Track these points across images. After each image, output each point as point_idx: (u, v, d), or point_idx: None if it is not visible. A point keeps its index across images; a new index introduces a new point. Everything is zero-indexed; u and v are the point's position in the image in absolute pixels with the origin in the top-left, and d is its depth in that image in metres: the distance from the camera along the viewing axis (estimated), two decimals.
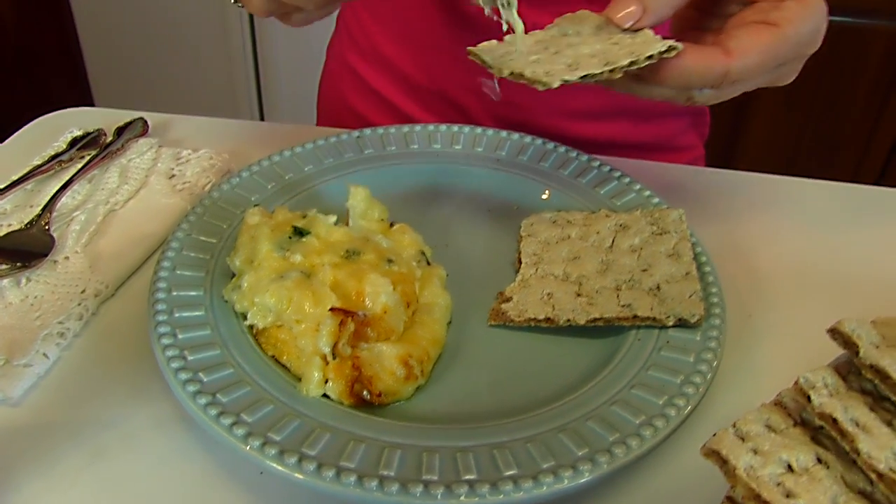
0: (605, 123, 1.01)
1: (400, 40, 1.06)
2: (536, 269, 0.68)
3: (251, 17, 2.27)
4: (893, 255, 0.78)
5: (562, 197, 0.77)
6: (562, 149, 0.82)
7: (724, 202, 0.84)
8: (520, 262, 0.70)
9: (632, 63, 0.58)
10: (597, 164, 0.80)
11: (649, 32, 0.61)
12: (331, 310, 0.58)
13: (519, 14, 0.64)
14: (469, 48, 0.65)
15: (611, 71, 0.58)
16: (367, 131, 0.83)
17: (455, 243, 0.74)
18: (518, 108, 0.97)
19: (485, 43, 0.65)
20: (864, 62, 2.31)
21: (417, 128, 0.84)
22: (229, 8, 2.26)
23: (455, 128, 0.84)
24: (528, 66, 0.60)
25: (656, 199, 0.75)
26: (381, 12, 1.06)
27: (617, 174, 0.78)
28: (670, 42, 0.59)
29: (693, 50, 0.60)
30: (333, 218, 0.68)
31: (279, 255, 0.64)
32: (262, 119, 2.47)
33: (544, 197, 0.78)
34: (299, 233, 0.66)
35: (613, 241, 0.70)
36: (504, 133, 0.84)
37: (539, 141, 0.82)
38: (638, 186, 0.77)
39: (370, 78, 1.10)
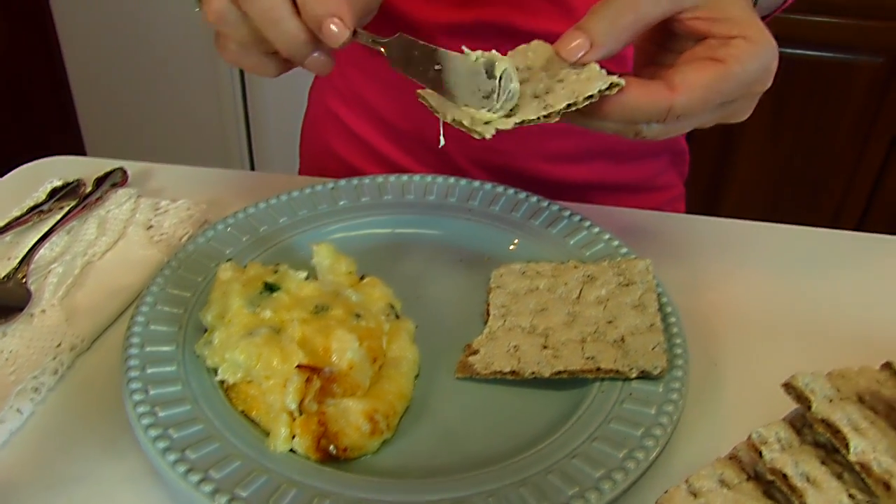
0: (584, 166, 1.02)
1: (379, 84, 1.07)
2: (504, 321, 0.70)
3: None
4: (863, 304, 0.79)
5: (532, 247, 0.79)
6: (533, 198, 0.83)
7: (694, 249, 0.85)
8: (488, 314, 0.71)
9: (570, 105, 0.60)
10: (567, 213, 0.81)
11: (595, 67, 0.63)
12: (297, 366, 0.59)
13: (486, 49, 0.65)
14: (418, 91, 0.66)
15: (546, 116, 0.60)
16: (342, 182, 0.85)
17: (426, 295, 0.75)
18: (497, 152, 0.99)
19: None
20: (847, 97, 2.34)
21: (392, 178, 0.86)
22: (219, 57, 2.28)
23: (429, 178, 0.86)
24: (468, 113, 0.62)
25: (624, 250, 0.77)
26: (359, 56, 1.08)
27: (587, 224, 0.80)
28: (612, 79, 0.61)
29: (637, 85, 0.62)
30: (304, 273, 0.69)
31: (250, 311, 0.65)
32: (252, 167, 2.47)
33: (512, 248, 0.79)
34: (270, 288, 0.67)
35: (580, 292, 0.71)
36: (476, 183, 0.85)
37: (511, 191, 0.84)
38: (607, 236, 0.78)
39: (352, 122, 1.12)
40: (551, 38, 0.95)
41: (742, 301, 0.78)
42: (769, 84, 0.65)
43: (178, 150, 2.49)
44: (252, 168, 2.46)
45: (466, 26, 0.95)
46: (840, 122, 2.38)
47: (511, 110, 0.62)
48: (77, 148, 2.61)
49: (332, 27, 0.61)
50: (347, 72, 1.10)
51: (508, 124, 0.60)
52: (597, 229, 0.79)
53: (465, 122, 0.61)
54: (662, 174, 1.12)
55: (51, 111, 2.65)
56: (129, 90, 2.48)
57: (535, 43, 0.67)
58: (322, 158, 1.18)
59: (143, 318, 0.67)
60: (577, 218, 0.81)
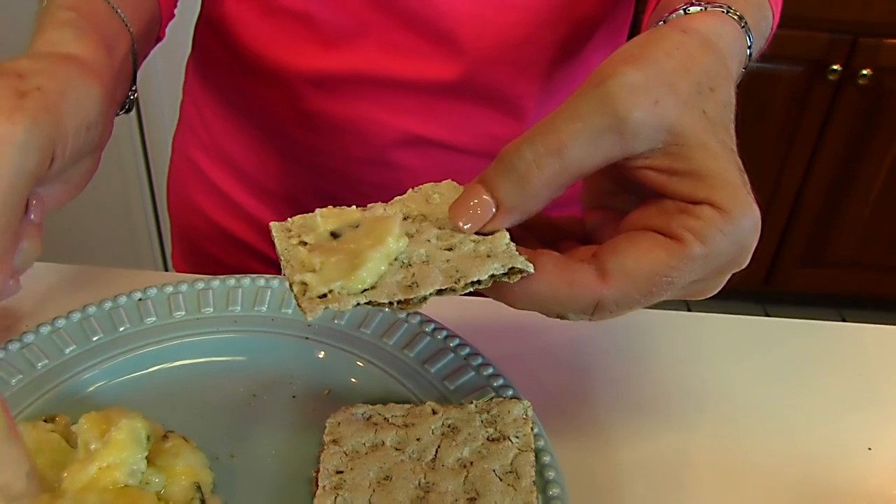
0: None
1: (243, 137, 0.92)
2: (335, 499, 0.53)
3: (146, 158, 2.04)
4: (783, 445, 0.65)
5: (383, 379, 0.63)
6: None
7: (604, 358, 0.70)
8: (317, 483, 0.55)
9: (441, 291, 0.44)
10: (430, 328, 0.65)
11: (501, 237, 0.46)
12: None
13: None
14: (272, 223, 0.51)
15: (402, 302, 0.44)
16: (152, 291, 0.68)
17: (244, 451, 0.58)
18: None
19: (298, 217, 0.51)
20: (768, 106, 2.25)
21: (215, 283, 0.69)
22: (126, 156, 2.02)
23: (262, 281, 0.69)
24: (316, 274, 0.46)
25: (500, 381, 0.61)
26: (219, 101, 0.92)
27: (454, 343, 0.64)
28: (517, 261, 0.44)
29: (554, 271, 0.45)
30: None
31: None
32: (164, 264, 2.23)
33: (353, 380, 0.63)
34: None
35: (437, 451, 0.56)
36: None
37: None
38: (479, 361, 0.62)
39: (214, 176, 0.96)
40: (437, 86, 0.80)
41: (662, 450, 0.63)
42: (745, 264, 0.47)
43: (86, 249, 2.21)
44: (165, 267, 2.22)
45: (333, 76, 0.79)
46: (762, 132, 2.29)
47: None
48: None
49: None
50: (208, 119, 0.94)
51: (347, 304, 0.44)
52: (466, 351, 0.63)
53: (294, 290, 0.45)
54: None
55: None
56: None
57: (446, 184, 0.51)
58: (187, 214, 1.03)
59: None
60: (442, 335, 0.65)
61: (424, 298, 0.44)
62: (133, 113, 1.96)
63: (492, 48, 0.77)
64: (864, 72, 2.14)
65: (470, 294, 0.46)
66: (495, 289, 0.46)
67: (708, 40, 0.48)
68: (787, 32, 2.11)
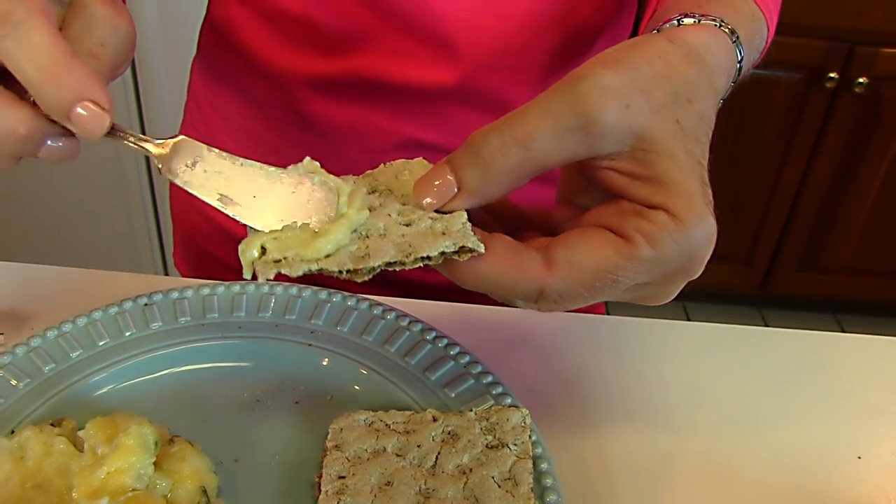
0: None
1: (244, 137, 0.92)
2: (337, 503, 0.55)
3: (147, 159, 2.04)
4: (780, 448, 0.66)
5: (385, 385, 0.64)
6: (391, 315, 0.68)
7: (602, 363, 0.71)
8: (320, 489, 0.56)
9: (391, 264, 0.46)
10: (431, 336, 0.66)
11: (458, 216, 0.48)
12: None
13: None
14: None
15: (351, 271, 0.46)
16: (158, 297, 0.69)
17: (248, 456, 0.60)
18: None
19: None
20: (766, 113, 2.26)
21: (220, 289, 0.70)
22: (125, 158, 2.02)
23: (265, 288, 0.70)
24: (274, 237, 0.48)
25: (500, 388, 0.62)
26: (222, 102, 0.93)
27: (454, 351, 0.65)
28: (469, 240, 0.46)
29: (502, 255, 0.46)
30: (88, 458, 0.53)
31: None
32: (164, 268, 2.23)
33: (357, 388, 0.64)
34: None
35: (437, 458, 0.57)
36: (324, 294, 0.70)
37: (365, 304, 0.69)
38: (479, 369, 0.64)
39: None
40: (435, 91, 0.81)
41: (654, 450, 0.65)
42: (696, 274, 0.47)
43: (86, 251, 2.21)
44: (165, 271, 2.22)
45: (334, 80, 0.81)
46: (760, 137, 2.30)
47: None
48: None
49: (82, 111, 0.45)
50: (211, 121, 0.95)
51: (297, 270, 0.46)
52: (466, 359, 0.64)
53: (246, 254, 0.48)
54: None
55: None
56: (29, 191, 2.19)
57: (417, 161, 0.53)
58: (189, 215, 1.03)
59: None
60: (442, 343, 0.66)
61: (373, 269, 0.46)
62: (134, 114, 1.97)
63: (489, 54, 0.78)
64: (861, 80, 2.16)
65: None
66: (446, 266, 0.47)
67: (695, 52, 0.49)
68: (786, 40, 2.12)
